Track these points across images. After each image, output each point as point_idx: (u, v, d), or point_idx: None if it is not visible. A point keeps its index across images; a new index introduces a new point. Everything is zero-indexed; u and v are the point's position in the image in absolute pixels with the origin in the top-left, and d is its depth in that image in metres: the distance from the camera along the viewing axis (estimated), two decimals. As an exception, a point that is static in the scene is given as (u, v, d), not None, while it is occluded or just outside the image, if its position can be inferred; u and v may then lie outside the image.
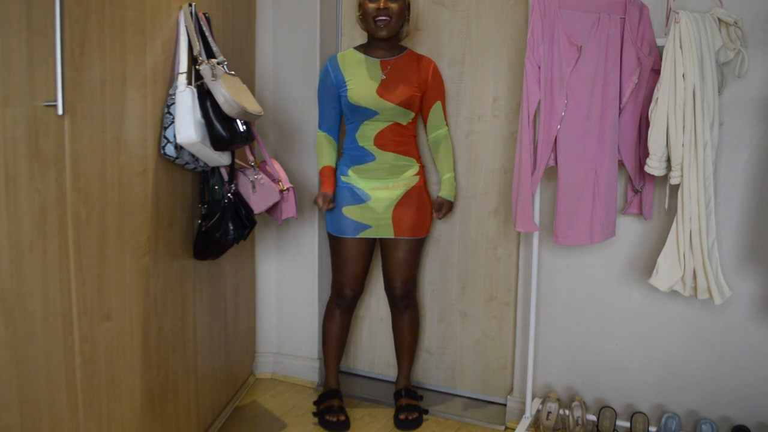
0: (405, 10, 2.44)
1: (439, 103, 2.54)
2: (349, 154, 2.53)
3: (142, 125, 1.85)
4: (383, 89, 2.43)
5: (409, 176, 2.51)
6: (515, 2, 2.58)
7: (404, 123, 2.49)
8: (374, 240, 2.57)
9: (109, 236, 1.70)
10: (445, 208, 2.58)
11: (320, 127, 2.57)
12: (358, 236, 2.50)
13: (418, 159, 2.56)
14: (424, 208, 2.55)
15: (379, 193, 2.48)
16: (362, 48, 2.53)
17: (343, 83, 2.46)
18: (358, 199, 2.48)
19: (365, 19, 2.42)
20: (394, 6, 2.38)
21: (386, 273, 2.60)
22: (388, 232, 2.50)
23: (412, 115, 2.50)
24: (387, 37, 2.42)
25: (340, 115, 2.55)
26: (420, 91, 2.49)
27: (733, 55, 2.08)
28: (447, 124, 2.60)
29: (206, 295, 2.36)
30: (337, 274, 2.58)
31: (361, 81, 2.44)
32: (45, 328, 1.48)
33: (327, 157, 2.54)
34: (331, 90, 2.49)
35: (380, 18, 2.37)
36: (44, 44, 1.43)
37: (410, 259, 2.56)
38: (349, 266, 2.54)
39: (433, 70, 2.52)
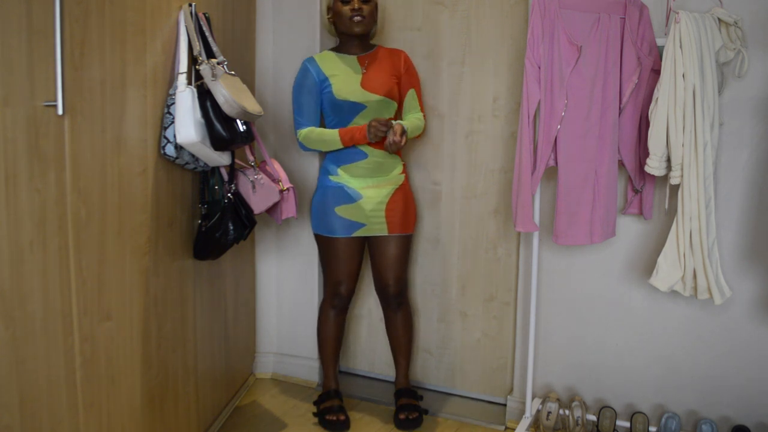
0: (375, 11, 2.53)
1: (413, 90, 2.58)
2: (334, 153, 2.52)
3: (142, 125, 1.85)
4: (366, 82, 2.46)
5: (396, 174, 2.54)
6: (515, 2, 2.58)
7: (390, 116, 2.51)
8: (364, 239, 2.57)
9: (109, 236, 1.70)
10: (400, 131, 2.39)
11: (301, 126, 2.52)
12: (352, 235, 2.50)
13: (401, 156, 2.60)
14: (410, 206, 2.59)
15: (369, 191, 2.49)
16: (335, 49, 2.59)
17: (325, 80, 2.49)
18: (350, 198, 2.49)
19: (339, 19, 2.49)
20: (366, 7, 2.47)
21: (378, 272, 2.59)
22: (381, 230, 2.51)
23: (395, 106, 2.53)
24: (362, 33, 2.49)
25: (320, 112, 2.55)
26: (397, 80, 2.53)
27: (733, 55, 2.08)
28: (423, 112, 2.60)
29: (206, 295, 2.36)
30: (332, 275, 2.58)
31: (344, 77, 2.48)
32: (45, 328, 1.48)
33: (328, 129, 2.52)
34: (313, 87, 2.50)
35: (356, 17, 2.45)
36: (44, 44, 1.43)
37: (402, 256, 2.57)
38: (344, 265, 2.54)
39: (404, 59, 2.57)
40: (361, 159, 2.49)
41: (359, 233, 2.50)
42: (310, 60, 2.54)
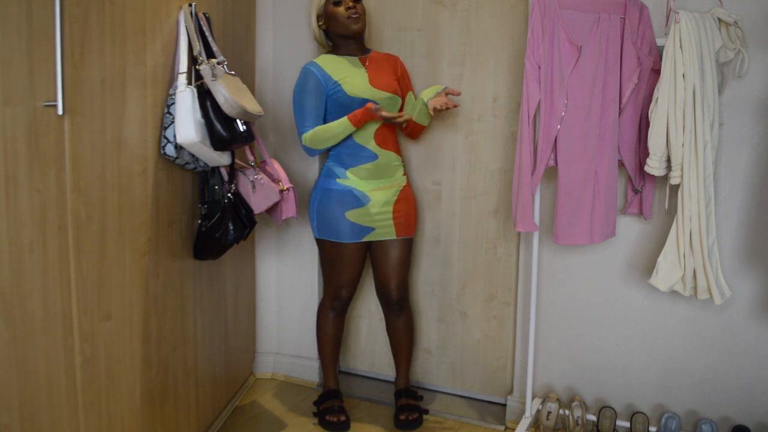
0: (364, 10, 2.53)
1: (410, 93, 2.62)
2: (344, 154, 2.45)
3: (142, 125, 1.85)
4: (373, 80, 2.46)
5: (399, 176, 2.54)
6: (515, 2, 2.57)
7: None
8: (368, 243, 2.54)
9: (109, 236, 1.70)
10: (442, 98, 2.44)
11: (306, 129, 2.41)
12: (362, 240, 2.48)
13: (402, 157, 2.63)
14: (413, 208, 2.60)
15: (377, 194, 2.47)
16: (334, 52, 2.53)
17: (332, 81, 2.41)
18: (359, 202, 2.45)
19: (335, 22, 2.44)
20: (359, 5, 2.46)
21: (381, 276, 2.57)
22: (390, 234, 2.49)
23: (400, 103, 2.55)
24: (360, 31, 2.46)
25: (324, 114, 2.47)
26: (397, 81, 2.55)
27: (733, 55, 2.08)
28: None
29: (206, 295, 2.36)
30: (335, 278, 2.55)
31: (353, 75, 2.43)
32: (45, 328, 1.48)
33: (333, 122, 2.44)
34: (318, 89, 2.41)
35: (353, 15, 2.42)
36: (44, 44, 1.43)
37: (406, 260, 2.57)
38: (348, 270, 2.52)
39: (400, 64, 2.62)
40: (371, 161, 2.45)
41: (369, 238, 2.48)
42: (312, 63, 2.45)
